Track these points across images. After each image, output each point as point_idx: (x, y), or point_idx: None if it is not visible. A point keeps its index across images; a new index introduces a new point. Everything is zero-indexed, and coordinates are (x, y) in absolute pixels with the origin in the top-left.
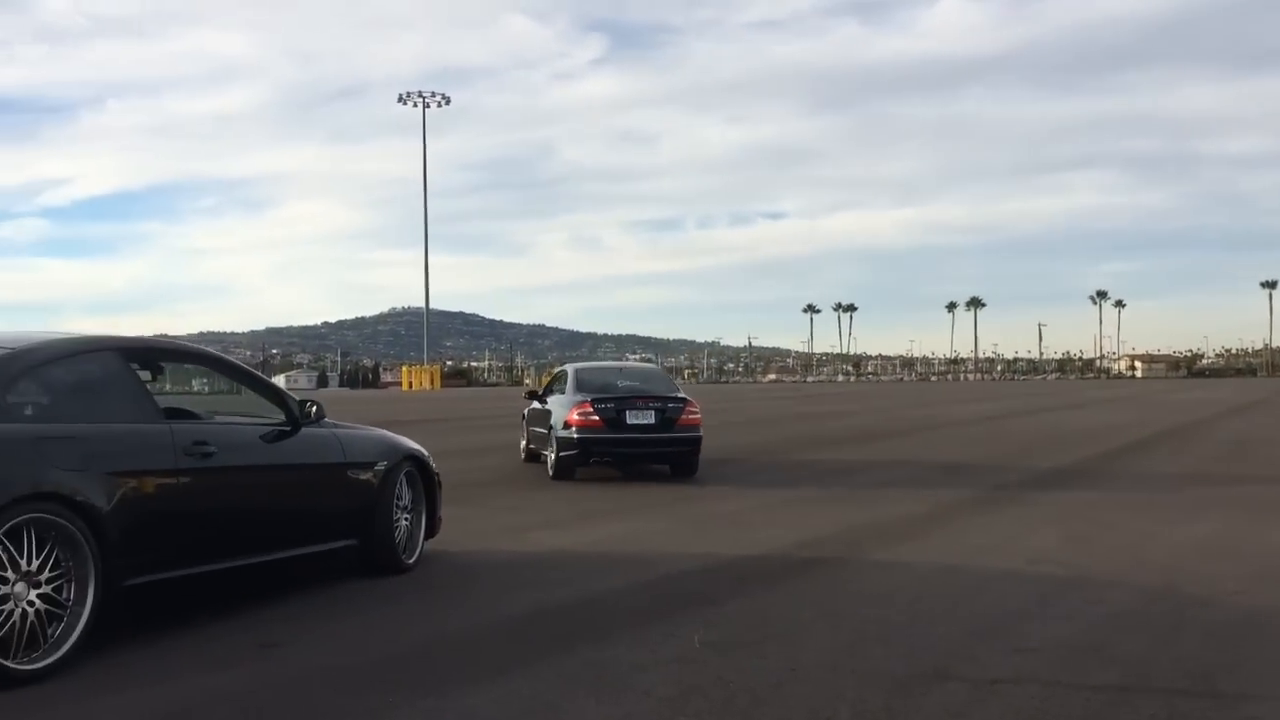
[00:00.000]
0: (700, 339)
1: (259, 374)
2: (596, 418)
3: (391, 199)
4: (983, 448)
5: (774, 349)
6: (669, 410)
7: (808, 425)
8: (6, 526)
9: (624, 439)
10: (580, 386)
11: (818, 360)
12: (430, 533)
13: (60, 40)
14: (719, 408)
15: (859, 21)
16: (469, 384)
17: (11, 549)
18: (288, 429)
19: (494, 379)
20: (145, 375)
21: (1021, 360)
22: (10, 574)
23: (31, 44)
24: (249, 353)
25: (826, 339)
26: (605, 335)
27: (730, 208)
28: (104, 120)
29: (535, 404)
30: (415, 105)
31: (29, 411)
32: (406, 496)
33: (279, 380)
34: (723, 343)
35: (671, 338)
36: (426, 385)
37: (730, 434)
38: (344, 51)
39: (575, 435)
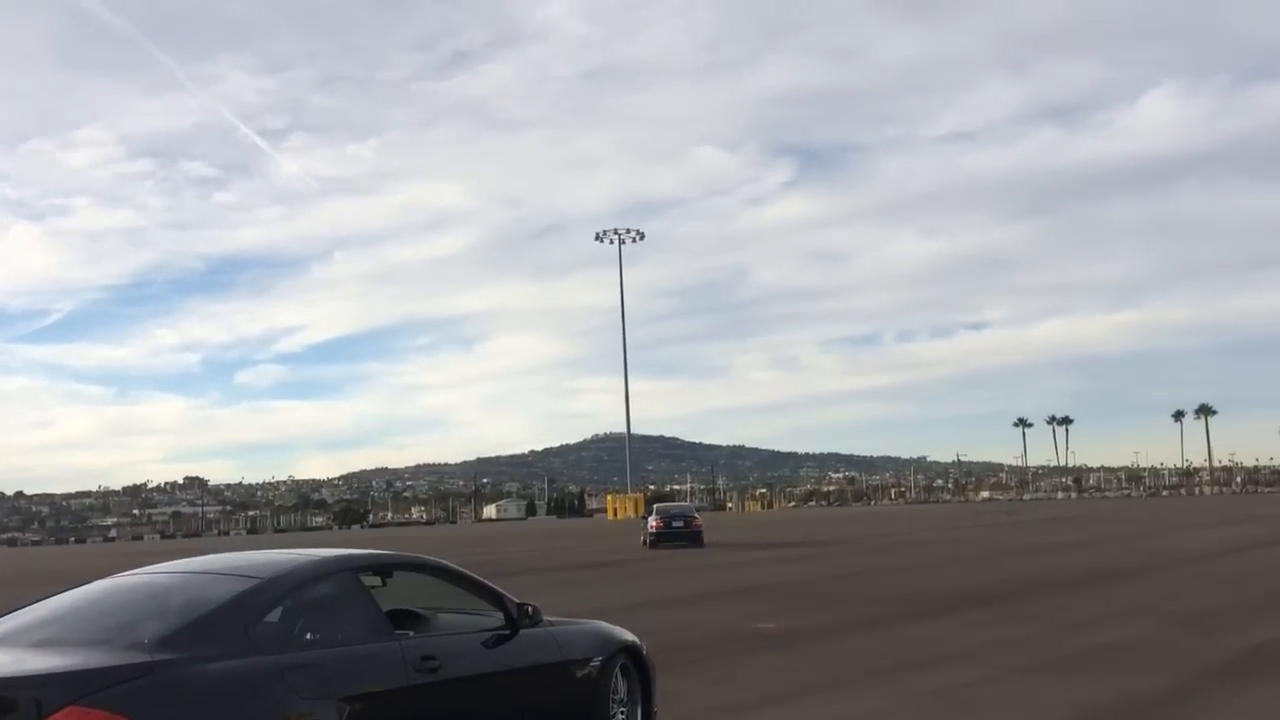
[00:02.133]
0: (905, 455)
1: (480, 579)
2: (661, 523)
3: (592, 329)
4: (1229, 591)
5: (984, 463)
6: (688, 520)
7: (1025, 561)
8: None
9: (671, 531)
10: (656, 512)
11: (1033, 475)
12: None
13: (293, 201)
14: (924, 540)
15: (1056, 125)
16: None
17: None
18: (507, 633)
19: (697, 503)
20: (375, 580)
21: (1264, 469)
22: None
23: (268, 206)
24: (462, 482)
25: (1041, 452)
26: (806, 454)
27: (930, 320)
28: (331, 271)
29: (643, 519)
30: (611, 242)
31: (274, 642)
32: (622, 690)
33: (490, 510)
34: (929, 459)
35: (875, 455)
36: (630, 513)
37: (946, 575)
38: (545, 192)
39: (653, 531)
